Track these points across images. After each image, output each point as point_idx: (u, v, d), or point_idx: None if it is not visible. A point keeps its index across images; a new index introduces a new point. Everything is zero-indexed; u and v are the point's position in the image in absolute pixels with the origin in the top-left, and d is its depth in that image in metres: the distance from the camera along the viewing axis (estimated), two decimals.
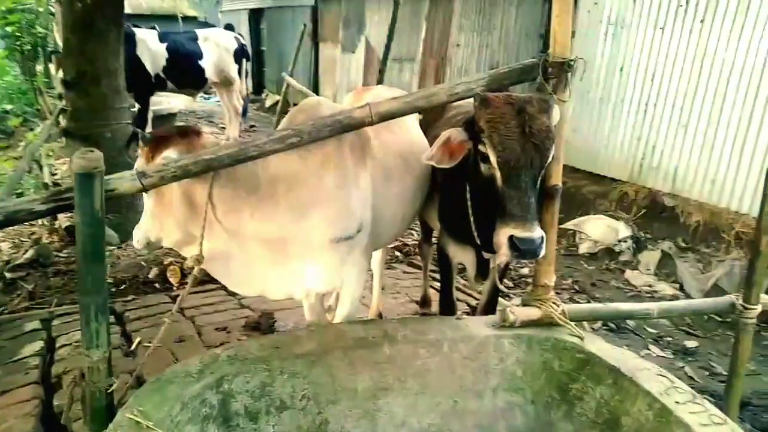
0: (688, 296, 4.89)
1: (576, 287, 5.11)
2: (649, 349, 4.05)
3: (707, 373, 3.85)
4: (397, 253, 5.29)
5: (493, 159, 2.07)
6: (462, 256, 2.72)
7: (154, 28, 8.84)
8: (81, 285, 1.85)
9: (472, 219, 2.34)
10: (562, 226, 5.53)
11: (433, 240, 3.98)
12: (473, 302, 4.19)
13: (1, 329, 3.60)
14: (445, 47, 9.86)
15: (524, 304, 2.50)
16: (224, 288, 4.35)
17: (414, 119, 2.99)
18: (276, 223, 2.22)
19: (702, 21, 5.74)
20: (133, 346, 3.40)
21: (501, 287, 2.67)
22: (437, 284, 4.38)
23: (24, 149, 8.55)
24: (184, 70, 8.41)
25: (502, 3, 8.61)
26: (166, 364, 2.99)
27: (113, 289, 4.23)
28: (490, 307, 2.94)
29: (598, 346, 2.34)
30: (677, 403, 1.97)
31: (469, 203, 2.34)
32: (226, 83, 9.15)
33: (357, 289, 2.53)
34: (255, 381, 2.05)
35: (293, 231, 2.24)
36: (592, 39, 6.76)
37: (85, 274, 1.84)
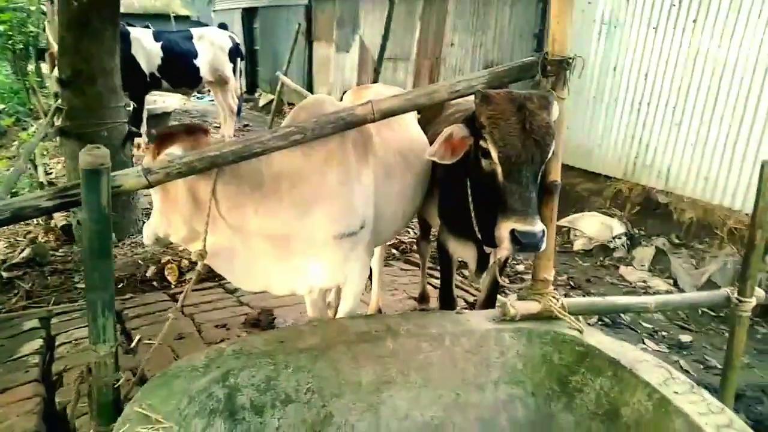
0: (681, 292, 4.94)
1: (571, 283, 5.16)
2: (644, 344, 4.10)
3: (702, 366, 3.91)
4: (394, 251, 5.32)
5: (494, 154, 2.10)
6: (462, 251, 2.75)
7: (148, 26, 8.83)
8: (88, 281, 1.86)
9: (473, 214, 2.37)
10: (556, 223, 5.58)
11: (432, 237, 4.01)
12: (470, 298, 4.23)
13: (0, 328, 3.60)
14: (440, 47, 9.90)
15: (520, 298, 2.53)
16: (222, 286, 4.38)
17: (413, 117, 3.02)
18: (280, 219, 2.24)
19: (694, 20, 5.81)
20: (133, 344, 3.41)
21: (501, 281, 2.69)
22: (434, 281, 4.42)
23: (18, 149, 8.53)
24: (179, 69, 8.40)
25: (495, 3, 8.66)
26: (168, 361, 3.02)
27: None
28: (489, 302, 2.97)
29: (597, 338, 2.38)
30: (676, 393, 2.01)
31: (470, 199, 2.36)
32: (221, 82, 9.14)
33: (360, 285, 2.55)
34: (260, 375, 2.07)
35: (297, 227, 2.25)
36: (586, 38, 6.82)
37: (92, 270, 1.85)
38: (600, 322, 4.40)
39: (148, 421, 1.71)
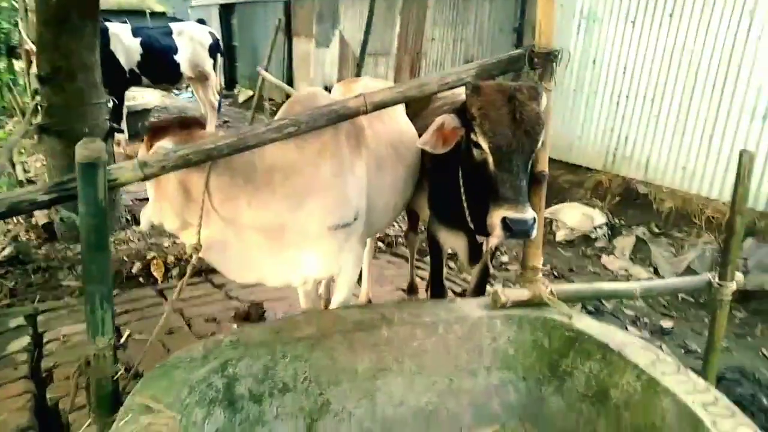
0: (662, 279, 5.06)
1: (555, 273, 5.25)
2: (627, 330, 4.20)
3: (683, 351, 4.02)
4: (380, 244, 5.35)
5: (485, 144, 2.14)
6: (453, 241, 2.80)
7: (125, 22, 8.70)
8: (85, 274, 1.87)
9: (465, 204, 2.41)
10: None
11: (420, 229, 4.06)
12: (457, 289, 4.28)
13: None
14: (420, 42, 9.93)
15: (506, 287, 2.59)
16: (210, 280, 4.38)
17: (402, 109, 3.05)
18: (273, 211, 2.25)
19: (671, 15, 5.93)
20: (122, 339, 3.39)
21: (491, 268, 2.74)
22: (422, 273, 4.47)
23: None
24: (159, 65, 8.29)
25: None
26: (159, 355, 3.02)
27: None
28: (479, 290, 3.02)
29: (585, 323, 2.44)
30: (663, 373, 2.07)
31: (462, 189, 2.41)
32: (201, 78, 9.04)
33: (353, 276, 2.58)
34: (258, 365, 2.09)
35: (291, 219, 2.27)
36: (566, 32, 6.91)
37: (90, 263, 1.86)
38: (583, 310, 4.49)
39: (149, 411, 1.73)
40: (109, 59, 7.44)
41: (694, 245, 5.27)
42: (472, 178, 2.29)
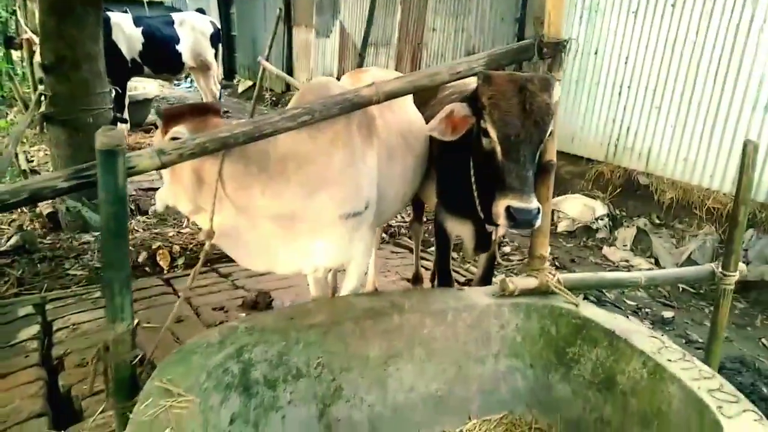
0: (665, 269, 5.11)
1: (556, 264, 5.30)
2: (629, 320, 4.24)
3: (684, 341, 4.07)
4: (384, 234, 5.39)
5: (493, 134, 2.17)
6: (461, 229, 2.82)
7: (126, 11, 8.68)
8: (105, 260, 1.89)
9: (476, 193, 2.44)
10: None
11: (425, 219, 4.09)
12: (461, 279, 4.32)
13: None
14: (421, 32, 9.92)
15: (508, 276, 2.62)
16: (216, 270, 4.41)
17: (410, 99, 3.07)
18: (286, 200, 2.28)
19: (673, 5, 5.94)
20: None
21: (498, 258, 2.78)
22: (426, 263, 4.51)
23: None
24: (161, 55, 8.29)
25: None
26: (168, 343, 3.05)
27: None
28: (486, 279, 3.06)
29: (592, 311, 2.48)
30: (670, 360, 2.11)
31: (473, 178, 2.43)
32: (203, 68, 9.04)
33: (364, 264, 2.61)
34: (273, 351, 2.12)
35: (303, 208, 2.30)
36: (568, 22, 6.91)
37: (109, 250, 1.88)
38: (585, 300, 4.53)
39: (169, 395, 1.76)
40: (111, 49, 7.43)
41: (694, 236, 5.32)
42: (483, 166, 2.31)
